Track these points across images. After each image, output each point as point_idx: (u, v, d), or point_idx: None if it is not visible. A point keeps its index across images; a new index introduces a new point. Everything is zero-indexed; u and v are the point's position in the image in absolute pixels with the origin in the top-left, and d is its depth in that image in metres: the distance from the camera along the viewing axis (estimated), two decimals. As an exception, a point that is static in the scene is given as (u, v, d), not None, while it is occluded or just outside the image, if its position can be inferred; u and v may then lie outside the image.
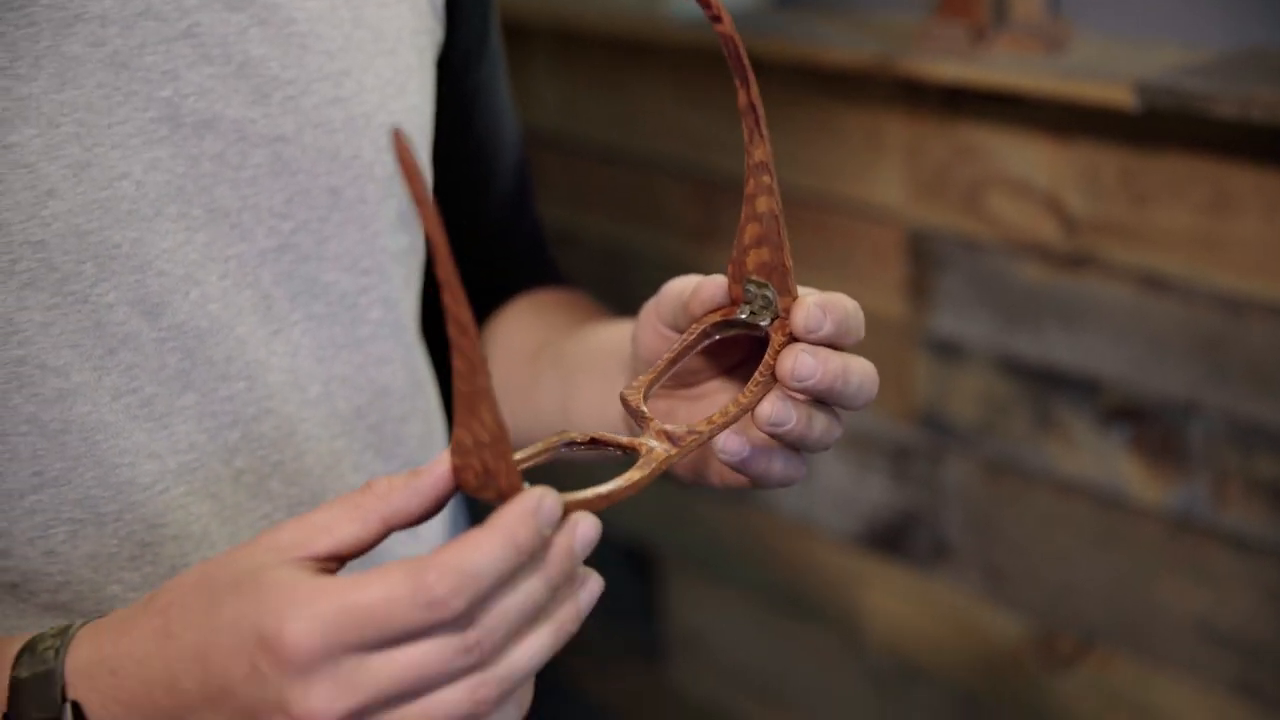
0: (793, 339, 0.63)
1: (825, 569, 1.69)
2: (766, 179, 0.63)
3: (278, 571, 0.53)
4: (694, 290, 0.65)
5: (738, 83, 0.62)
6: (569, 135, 1.80)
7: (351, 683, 0.51)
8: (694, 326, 0.66)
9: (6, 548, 0.67)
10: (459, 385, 0.53)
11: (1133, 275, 1.32)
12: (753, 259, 0.64)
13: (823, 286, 0.64)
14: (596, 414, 0.78)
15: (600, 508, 0.57)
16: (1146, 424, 1.35)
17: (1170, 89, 1.16)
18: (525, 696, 0.55)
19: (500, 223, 0.95)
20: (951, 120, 1.41)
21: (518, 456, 0.57)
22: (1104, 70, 1.23)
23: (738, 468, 0.65)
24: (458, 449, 0.55)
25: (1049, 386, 1.41)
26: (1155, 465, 1.35)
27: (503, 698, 0.53)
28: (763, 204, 0.63)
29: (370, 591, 0.51)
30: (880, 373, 0.65)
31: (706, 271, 0.68)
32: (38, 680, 0.56)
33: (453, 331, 0.52)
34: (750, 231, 0.64)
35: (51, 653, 0.57)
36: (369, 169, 0.75)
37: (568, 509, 0.55)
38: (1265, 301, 1.24)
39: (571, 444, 0.62)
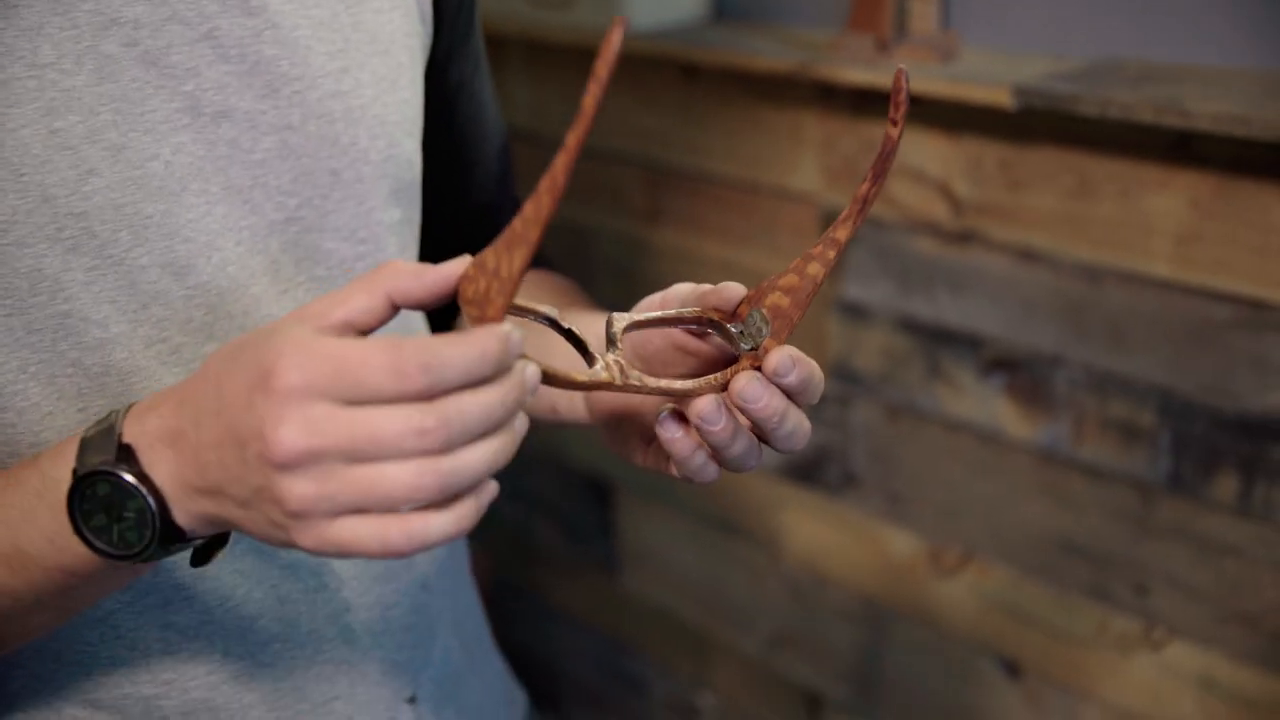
0: (758, 370, 0.61)
1: (753, 496, 1.69)
2: (832, 255, 0.61)
3: (293, 328, 0.52)
4: (716, 289, 0.64)
5: (870, 175, 0.59)
6: (538, 131, 1.78)
7: (318, 426, 0.50)
8: (696, 308, 0.64)
9: None
10: (516, 224, 0.52)
11: (1009, 249, 1.31)
12: (773, 299, 0.62)
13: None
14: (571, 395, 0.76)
15: (547, 373, 0.56)
16: (1019, 373, 1.35)
17: (1042, 92, 1.15)
18: (465, 513, 0.52)
19: (485, 204, 0.93)
20: (859, 118, 1.39)
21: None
22: (987, 76, 1.22)
23: (668, 444, 0.63)
24: (477, 264, 0.54)
25: (939, 342, 1.41)
26: (1026, 408, 1.35)
27: (443, 491, 0.51)
28: (814, 269, 0.62)
29: (352, 349, 0.50)
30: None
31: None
32: (102, 434, 0.56)
33: (544, 183, 0.51)
34: (788, 280, 0.62)
35: (114, 415, 0.57)
36: (365, 154, 0.74)
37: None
38: (1119, 271, 1.23)
39: (553, 323, 0.61)
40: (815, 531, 1.62)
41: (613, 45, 0.48)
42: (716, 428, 0.61)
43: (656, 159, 1.63)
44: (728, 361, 0.65)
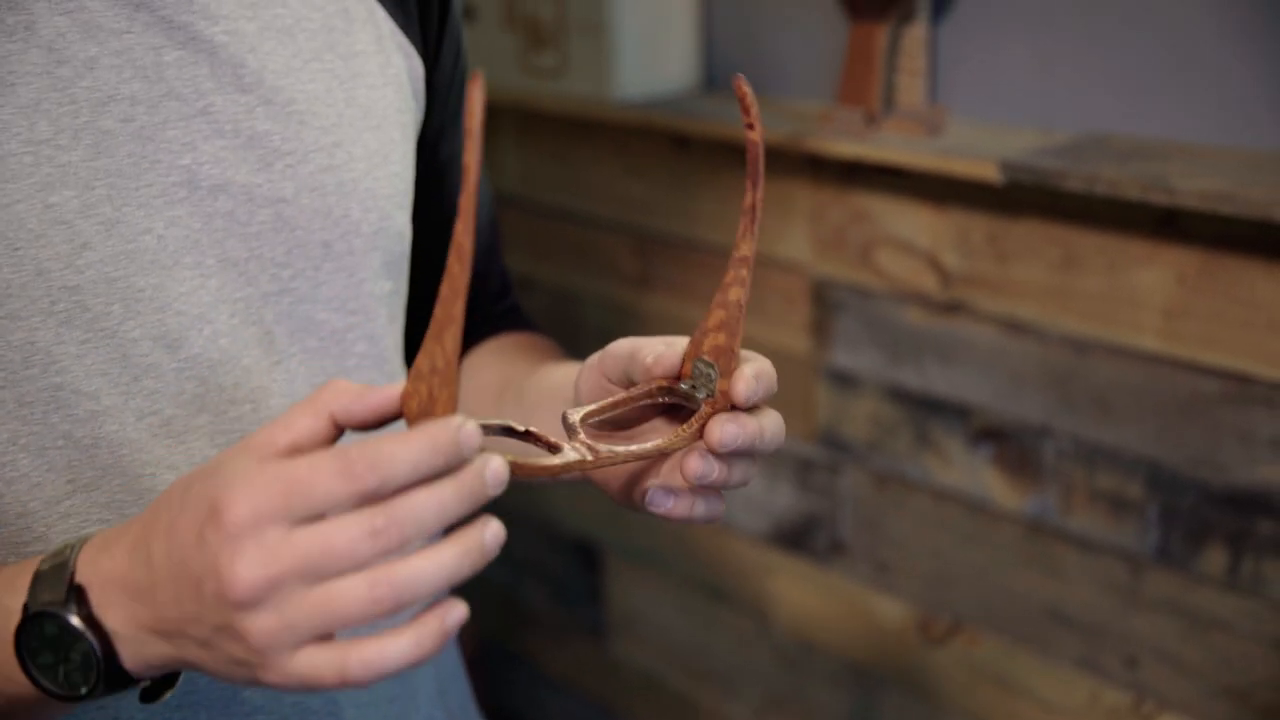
0: (727, 408, 0.61)
1: (741, 562, 1.68)
2: (745, 273, 0.61)
3: (238, 459, 0.51)
4: (657, 358, 0.63)
5: (749, 184, 0.59)
6: (529, 198, 1.79)
7: (274, 553, 0.48)
8: (643, 384, 0.64)
9: (45, 549, 0.65)
10: (437, 310, 0.51)
11: (997, 320, 1.32)
12: (710, 341, 0.62)
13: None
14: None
15: (517, 473, 0.54)
16: (1007, 443, 1.35)
17: (1029, 167, 1.16)
18: (426, 635, 0.50)
19: (474, 273, 0.93)
20: (848, 190, 1.41)
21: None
22: (974, 150, 1.23)
23: (667, 515, 0.63)
24: (414, 374, 0.52)
25: (927, 411, 1.41)
26: (1014, 478, 1.36)
27: (397, 603, 0.49)
28: (735, 293, 0.61)
29: (298, 464, 0.49)
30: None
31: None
32: (54, 570, 0.55)
33: (452, 258, 0.50)
34: (716, 316, 0.62)
35: (69, 548, 0.56)
36: (356, 226, 0.74)
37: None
38: (1106, 343, 1.24)
39: (510, 431, 0.60)
40: (804, 599, 1.62)
41: (475, 99, 0.48)
42: (712, 478, 0.61)
43: (646, 226, 1.64)
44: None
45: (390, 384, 0.54)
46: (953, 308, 1.35)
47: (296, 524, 0.49)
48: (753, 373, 0.61)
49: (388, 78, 0.77)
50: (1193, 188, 1.06)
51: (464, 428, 0.50)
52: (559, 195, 1.75)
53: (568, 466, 0.59)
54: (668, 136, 1.55)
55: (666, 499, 0.63)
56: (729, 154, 1.49)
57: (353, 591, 0.49)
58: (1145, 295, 1.20)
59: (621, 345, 0.65)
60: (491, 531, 0.51)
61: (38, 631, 0.54)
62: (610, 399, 0.64)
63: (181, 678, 0.60)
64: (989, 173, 1.18)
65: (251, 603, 0.49)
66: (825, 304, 1.47)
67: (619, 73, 1.52)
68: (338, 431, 0.54)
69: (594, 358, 0.67)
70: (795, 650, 1.65)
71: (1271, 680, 1.20)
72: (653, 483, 0.64)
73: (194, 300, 0.68)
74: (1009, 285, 1.29)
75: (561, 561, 1.95)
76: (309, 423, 0.53)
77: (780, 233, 1.48)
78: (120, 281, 0.65)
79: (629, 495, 0.71)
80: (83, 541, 0.56)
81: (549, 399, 0.77)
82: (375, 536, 0.48)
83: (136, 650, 0.54)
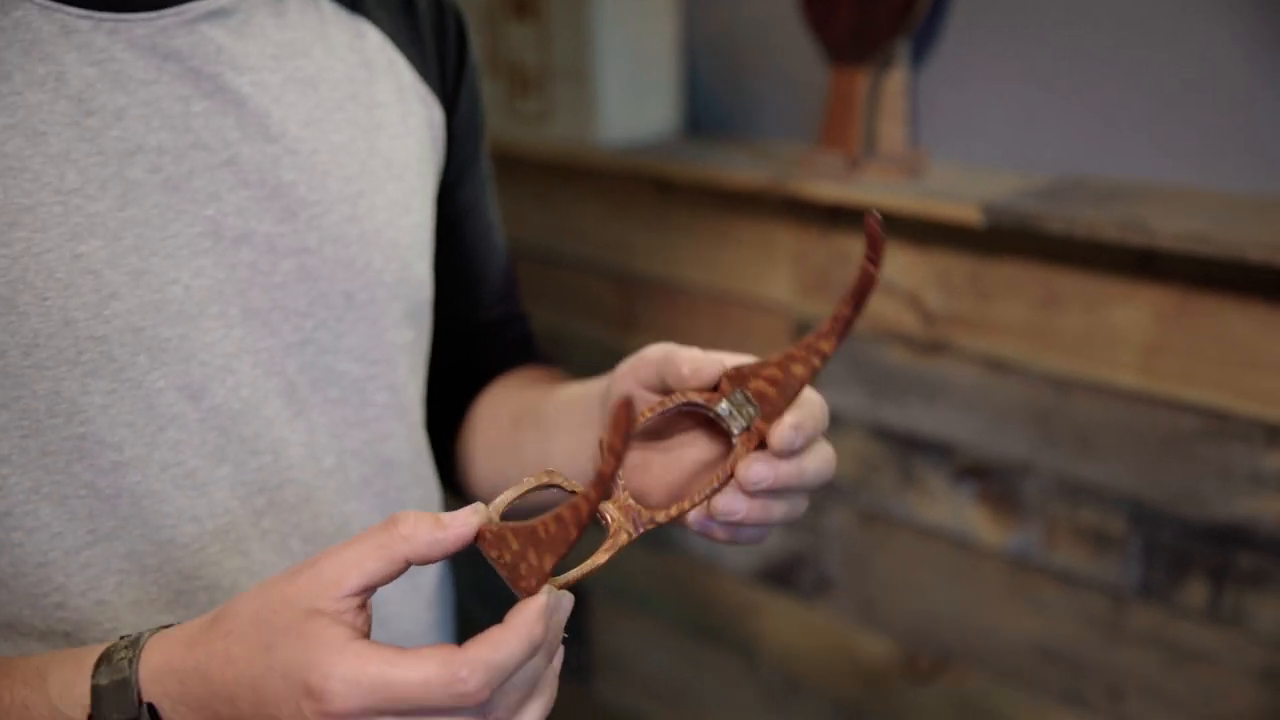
0: (760, 447, 0.61)
1: (727, 600, 1.69)
2: (817, 363, 0.61)
3: (327, 630, 0.52)
4: (695, 370, 0.63)
5: (851, 304, 0.59)
6: (514, 241, 1.79)
7: None
8: (677, 396, 0.64)
9: (63, 600, 0.66)
10: (552, 526, 0.52)
11: (979, 359, 1.34)
12: (757, 385, 0.62)
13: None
14: (569, 460, 0.77)
15: (575, 582, 0.57)
16: (990, 481, 1.37)
17: (1011, 209, 1.18)
18: None
19: (492, 320, 0.94)
20: (830, 232, 1.43)
21: (503, 497, 0.57)
22: (955, 193, 1.25)
23: (723, 538, 0.64)
24: (506, 532, 0.53)
25: (911, 450, 1.43)
26: (997, 514, 1.37)
27: None
28: (799, 371, 0.61)
29: (409, 672, 0.50)
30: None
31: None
32: (116, 687, 0.55)
33: (582, 501, 0.51)
34: (770, 374, 0.62)
35: (126, 662, 0.56)
36: (379, 276, 0.75)
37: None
38: (1087, 381, 1.26)
39: (551, 487, 0.61)
40: (789, 636, 1.62)
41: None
42: (739, 516, 0.61)
43: (629, 268, 1.66)
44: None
45: (461, 517, 0.55)
46: (935, 347, 1.36)
47: (402, 716, 0.51)
48: (794, 422, 0.61)
49: (409, 127, 0.78)
50: (1170, 229, 1.08)
51: (560, 608, 0.54)
52: (543, 239, 1.77)
53: (617, 550, 0.60)
54: (651, 180, 1.57)
55: (718, 530, 0.63)
56: (711, 197, 1.51)
57: None
58: (1124, 333, 1.22)
59: (655, 350, 0.66)
60: (560, 657, 0.56)
61: None
62: (643, 414, 0.64)
63: None
64: (972, 215, 1.21)
65: None
66: (809, 344, 1.48)
67: (602, 118, 1.53)
68: (407, 568, 0.54)
69: (626, 365, 0.67)
70: (782, 688, 1.66)
71: (1253, 711, 1.21)
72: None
73: (218, 351, 0.68)
74: (990, 325, 1.31)
75: (545, 602, 1.95)
76: (381, 568, 0.53)
77: (762, 274, 1.50)
78: (147, 331, 0.65)
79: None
80: (138, 653, 0.56)
81: (567, 417, 0.78)
82: None
83: None
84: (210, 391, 0.68)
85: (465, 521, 0.54)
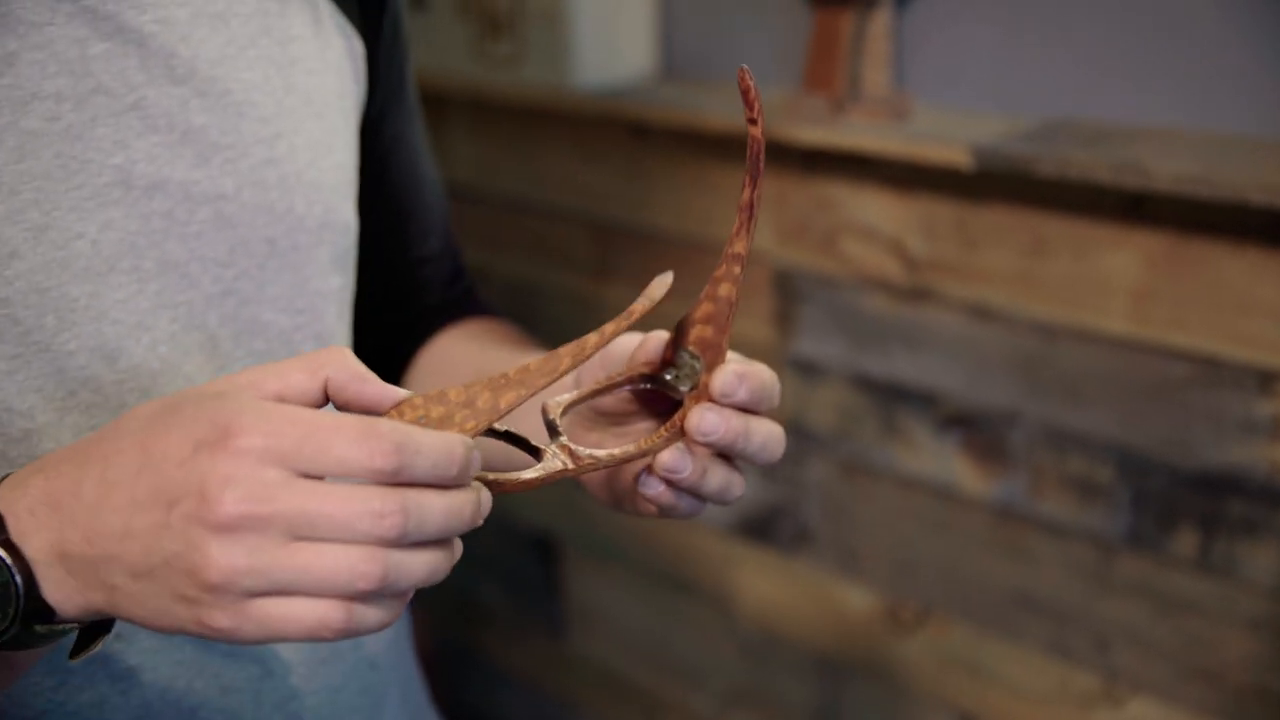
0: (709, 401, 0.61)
1: (705, 553, 1.67)
2: (737, 270, 0.60)
3: (243, 393, 0.49)
4: (640, 344, 0.63)
5: (747, 179, 0.58)
6: (485, 188, 1.76)
7: (270, 491, 0.46)
8: (626, 370, 0.64)
9: None
10: (511, 372, 0.54)
11: (964, 306, 1.32)
12: (696, 333, 0.62)
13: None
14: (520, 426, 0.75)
15: (496, 490, 0.55)
16: (975, 430, 1.35)
17: (1000, 152, 1.16)
18: (395, 609, 0.50)
19: (424, 255, 0.91)
20: (812, 177, 1.40)
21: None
22: (942, 136, 1.22)
23: (654, 499, 0.62)
24: (436, 396, 0.53)
25: (894, 399, 1.41)
26: (982, 464, 1.36)
27: (382, 586, 0.48)
28: (725, 289, 0.60)
29: (323, 416, 0.47)
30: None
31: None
32: None
33: (570, 348, 0.54)
34: (704, 309, 0.61)
35: None
36: (301, 221, 0.72)
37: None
38: (1074, 328, 1.24)
39: (492, 432, 0.58)
40: (769, 589, 1.61)
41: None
42: (684, 474, 0.60)
43: (604, 216, 1.62)
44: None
45: (392, 387, 0.53)
46: (919, 294, 1.34)
47: (300, 474, 0.47)
48: (736, 371, 0.60)
49: (328, 61, 0.75)
50: (1166, 170, 1.06)
51: (475, 453, 0.50)
52: (515, 185, 1.73)
53: (547, 479, 0.58)
54: (626, 125, 1.53)
55: (658, 484, 0.62)
56: (688, 142, 1.48)
57: (341, 558, 0.47)
58: (1114, 279, 1.20)
59: (622, 342, 0.65)
60: (486, 496, 0.52)
61: None
62: (589, 387, 0.64)
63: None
64: (960, 158, 1.18)
65: (228, 529, 0.46)
66: (789, 293, 1.46)
67: (576, 61, 1.50)
68: (324, 400, 0.52)
69: (598, 355, 0.66)
70: (760, 642, 1.64)
71: (1243, 661, 1.21)
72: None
73: (132, 307, 0.65)
74: (976, 271, 1.29)
75: (518, 556, 1.93)
76: (302, 379, 0.51)
77: (742, 221, 1.47)
78: (52, 291, 0.61)
79: (609, 491, 0.70)
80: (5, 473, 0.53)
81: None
82: (378, 519, 0.47)
83: (56, 580, 0.50)
84: (126, 351, 0.65)
85: (383, 392, 0.52)
